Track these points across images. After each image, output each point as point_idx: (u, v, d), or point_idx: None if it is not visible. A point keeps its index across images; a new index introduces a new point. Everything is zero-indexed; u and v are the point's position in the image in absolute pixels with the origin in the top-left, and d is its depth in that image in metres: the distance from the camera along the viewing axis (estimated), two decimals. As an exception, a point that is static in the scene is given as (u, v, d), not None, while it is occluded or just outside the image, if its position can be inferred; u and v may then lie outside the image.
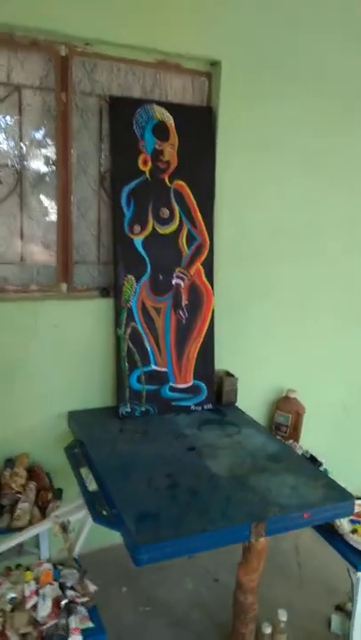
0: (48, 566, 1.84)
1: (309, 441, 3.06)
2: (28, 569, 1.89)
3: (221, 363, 2.89)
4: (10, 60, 2.40)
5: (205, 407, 2.73)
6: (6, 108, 2.43)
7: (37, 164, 2.54)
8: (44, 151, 2.54)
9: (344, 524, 2.26)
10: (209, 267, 2.70)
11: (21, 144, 2.49)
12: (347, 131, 2.97)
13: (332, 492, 1.99)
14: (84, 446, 2.31)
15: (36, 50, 2.40)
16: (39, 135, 2.52)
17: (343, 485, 2.05)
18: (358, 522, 2.30)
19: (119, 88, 2.61)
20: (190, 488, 1.97)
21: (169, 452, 2.24)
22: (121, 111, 2.51)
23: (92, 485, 2.05)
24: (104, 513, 1.87)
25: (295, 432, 3.04)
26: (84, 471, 2.16)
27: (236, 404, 2.85)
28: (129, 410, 2.58)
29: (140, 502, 1.86)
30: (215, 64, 2.65)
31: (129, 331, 2.57)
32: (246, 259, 2.86)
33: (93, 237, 2.71)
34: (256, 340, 3.00)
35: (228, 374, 2.86)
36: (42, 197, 2.58)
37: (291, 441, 2.93)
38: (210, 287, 2.70)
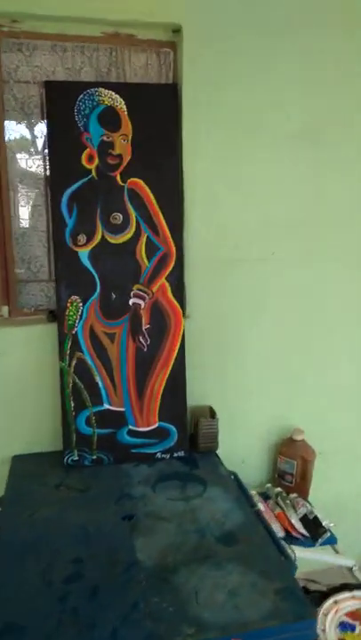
0: None
1: (322, 494, 2.44)
2: None
3: (205, 397, 2.38)
4: None
5: (176, 455, 2.22)
6: None
7: (-31, 170, 2.18)
8: (-25, 154, 2.19)
9: (330, 633, 1.66)
10: (177, 281, 2.19)
11: None
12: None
13: (285, 603, 1.41)
14: (7, 505, 1.91)
15: None
16: (-32, 135, 2.17)
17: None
18: (349, 627, 1.69)
19: (67, 72, 2.19)
20: (93, 584, 1.49)
21: (97, 523, 1.77)
22: (59, 99, 2.08)
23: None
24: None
25: (303, 482, 2.43)
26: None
27: (219, 451, 2.30)
28: (76, 458, 2.15)
29: (15, 604, 1.42)
30: (178, 31, 2.13)
31: (74, 363, 2.13)
32: (230, 267, 2.31)
33: (45, 251, 2.32)
34: (250, 368, 2.43)
35: (212, 413, 2.33)
36: (-21, 207, 2.23)
37: (294, 495, 2.33)
38: (178, 306, 2.19)
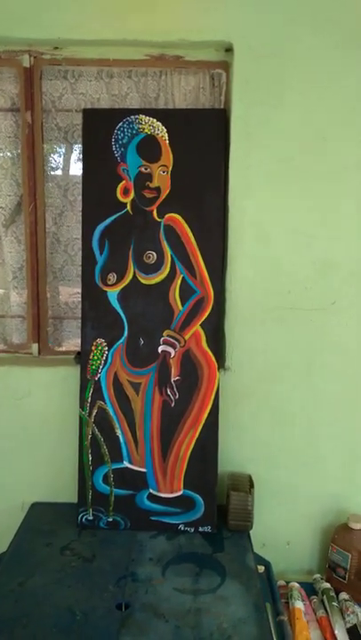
0: None
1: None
2: None
3: (245, 465, 2.07)
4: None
5: (201, 529, 1.92)
6: (-28, 138, 2.08)
7: (9, 201, 2.12)
8: (14, 184, 2.11)
9: None
10: (213, 329, 1.92)
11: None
12: None
13: None
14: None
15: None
16: (8, 166, 2.10)
17: None
18: None
19: (112, 99, 2.05)
20: None
21: (88, 606, 1.54)
22: (96, 127, 1.94)
23: None
24: None
25: (358, 581, 1.99)
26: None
27: (260, 528, 1.97)
28: (91, 518, 1.94)
29: None
30: (230, 49, 1.90)
31: (95, 412, 1.94)
32: (281, 316, 1.99)
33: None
34: (302, 434, 2.07)
35: (251, 483, 2.00)
36: (17, 239, 2.15)
37: (346, 596, 1.92)
38: (213, 358, 1.91)
